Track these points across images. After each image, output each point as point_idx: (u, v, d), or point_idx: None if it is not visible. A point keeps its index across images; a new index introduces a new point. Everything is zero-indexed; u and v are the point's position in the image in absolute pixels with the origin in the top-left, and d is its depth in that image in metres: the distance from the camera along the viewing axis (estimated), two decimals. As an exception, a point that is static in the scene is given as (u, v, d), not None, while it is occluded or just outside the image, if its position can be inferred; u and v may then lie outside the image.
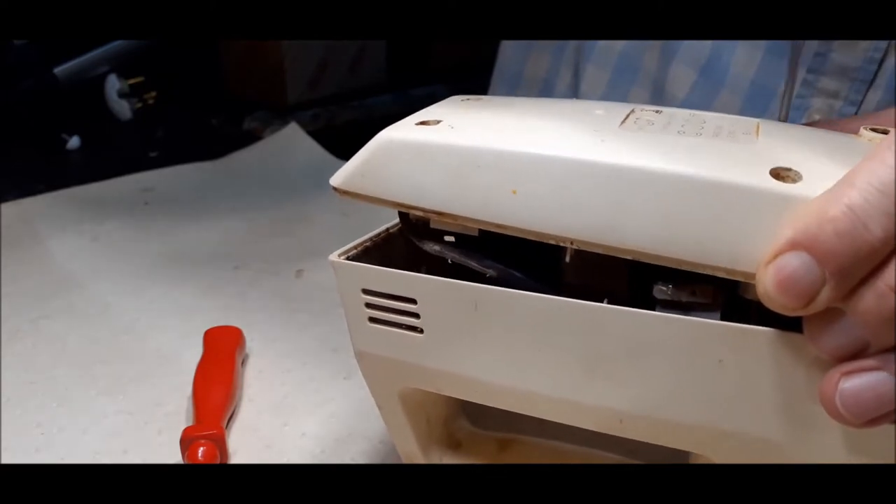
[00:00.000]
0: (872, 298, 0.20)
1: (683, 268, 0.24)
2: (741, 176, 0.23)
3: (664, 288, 0.25)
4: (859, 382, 0.21)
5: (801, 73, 0.49)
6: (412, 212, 0.28)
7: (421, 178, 0.27)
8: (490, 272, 0.28)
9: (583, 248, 0.25)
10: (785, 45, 0.50)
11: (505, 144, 0.26)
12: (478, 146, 0.26)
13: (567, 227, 0.25)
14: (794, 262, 0.21)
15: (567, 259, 0.27)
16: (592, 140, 0.26)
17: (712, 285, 0.25)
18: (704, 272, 0.23)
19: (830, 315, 0.21)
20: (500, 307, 0.27)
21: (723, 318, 0.25)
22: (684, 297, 0.25)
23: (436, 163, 0.27)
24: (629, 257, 0.24)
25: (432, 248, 0.29)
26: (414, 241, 0.30)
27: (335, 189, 0.29)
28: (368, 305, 0.29)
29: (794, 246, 0.21)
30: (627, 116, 0.28)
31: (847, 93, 0.48)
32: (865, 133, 0.27)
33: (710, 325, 0.24)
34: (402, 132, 0.28)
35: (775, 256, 0.21)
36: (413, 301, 0.28)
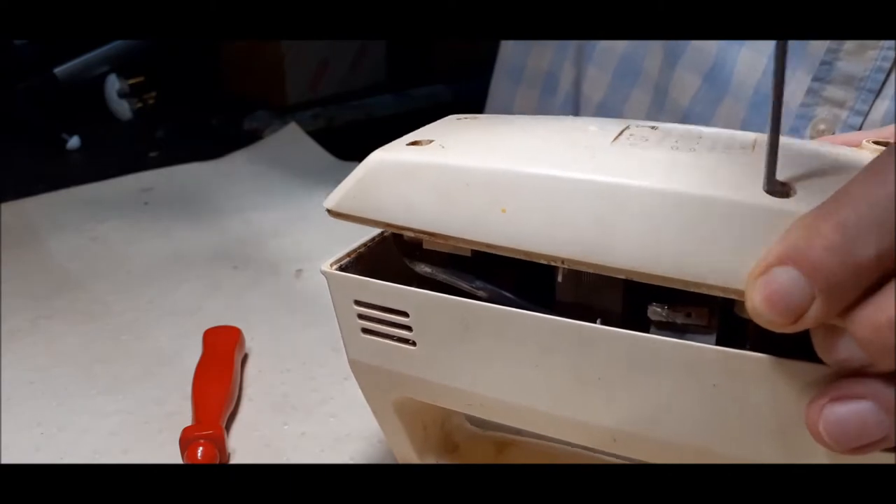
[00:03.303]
0: (869, 329, 0.19)
1: (677, 286, 0.23)
2: (734, 191, 0.22)
3: (659, 309, 0.25)
4: (844, 411, 0.21)
5: (806, 82, 0.48)
6: (404, 232, 0.27)
7: (411, 198, 0.26)
8: (481, 293, 0.28)
9: (574, 267, 0.25)
10: (792, 51, 0.49)
11: (494, 163, 0.26)
12: (466, 165, 0.26)
13: (558, 247, 0.24)
14: (783, 277, 0.20)
15: (559, 279, 0.27)
16: (583, 157, 0.25)
17: (708, 307, 0.25)
18: (699, 291, 0.23)
19: (836, 328, 0.20)
20: (492, 324, 0.26)
21: (719, 339, 0.25)
22: (679, 320, 0.25)
23: (425, 183, 0.26)
24: (621, 276, 0.24)
25: (423, 269, 0.29)
26: (406, 263, 0.29)
27: (329, 211, 0.28)
28: (361, 317, 0.29)
29: (782, 261, 0.20)
30: (621, 133, 0.27)
31: (854, 102, 0.47)
32: (867, 146, 0.27)
33: (704, 349, 0.23)
34: (392, 153, 0.28)
35: (764, 271, 0.20)
36: (405, 314, 0.28)
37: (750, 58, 0.51)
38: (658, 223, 0.23)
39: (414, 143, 0.28)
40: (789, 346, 0.22)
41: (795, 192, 0.22)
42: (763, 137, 0.27)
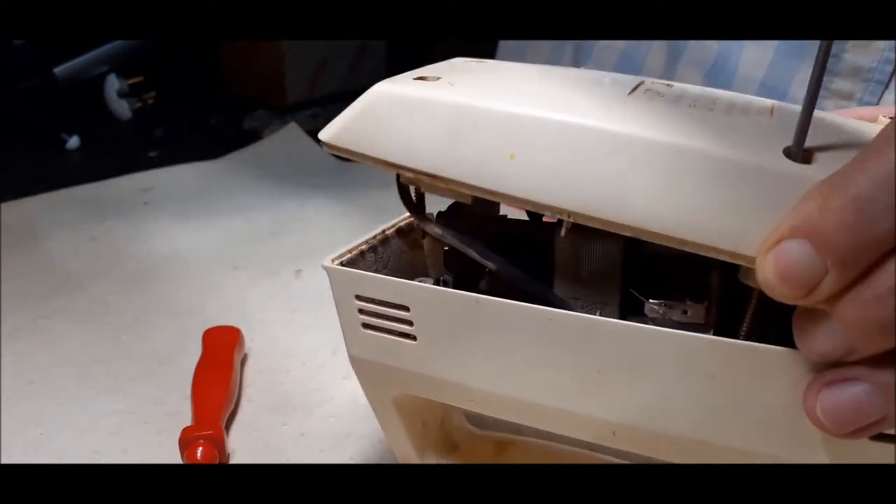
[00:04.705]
0: (857, 308, 0.19)
1: (685, 248, 0.22)
2: (753, 153, 0.21)
3: (656, 306, 0.25)
4: (839, 395, 0.21)
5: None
6: (403, 172, 0.26)
7: (414, 135, 0.25)
8: (491, 265, 0.27)
9: (580, 221, 0.23)
10: (796, 44, 0.48)
11: (505, 105, 0.24)
12: (476, 105, 0.24)
13: (565, 198, 0.23)
14: (795, 251, 0.20)
15: (562, 233, 0.25)
16: (598, 106, 0.24)
17: (705, 304, 0.24)
18: (706, 254, 0.22)
19: (817, 317, 0.20)
20: (493, 317, 0.26)
21: (718, 312, 0.24)
22: (676, 317, 0.25)
23: (431, 120, 0.25)
24: (627, 234, 0.23)
25: (434, 230, 0.28)
26: (415, 220, 0.28)
27: (325, 144, 0.27)
28: (362, 311, 0.29)
29: (795, 233, 0.20)
30: (637, 87, 0.26)
31: (862, 94, 0.46)
32: (883, 121, 0.26)
33: (702, 339, 0.23)
34: (398, 86, 0.26)
35: (776, 243, 0.20)
36: (406, 308, 0.28)
37: (754, 53, 0.51)
38: (672, 180, 0.22)
39: (420, 79, 0.27)
40: (789, 313, 0.22)
41: (816, 160, 0.21)
42: (780, 104, 0.26)
